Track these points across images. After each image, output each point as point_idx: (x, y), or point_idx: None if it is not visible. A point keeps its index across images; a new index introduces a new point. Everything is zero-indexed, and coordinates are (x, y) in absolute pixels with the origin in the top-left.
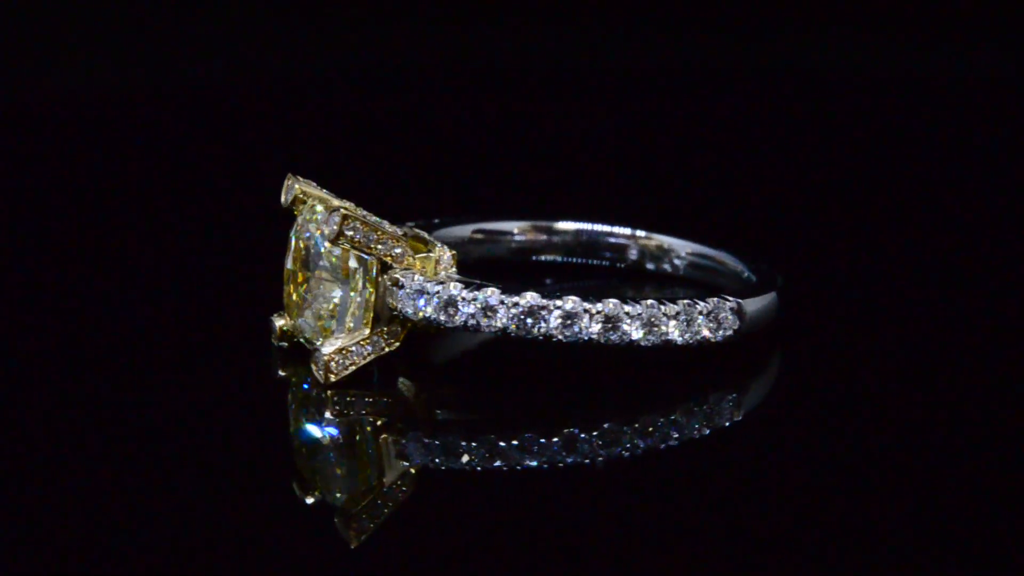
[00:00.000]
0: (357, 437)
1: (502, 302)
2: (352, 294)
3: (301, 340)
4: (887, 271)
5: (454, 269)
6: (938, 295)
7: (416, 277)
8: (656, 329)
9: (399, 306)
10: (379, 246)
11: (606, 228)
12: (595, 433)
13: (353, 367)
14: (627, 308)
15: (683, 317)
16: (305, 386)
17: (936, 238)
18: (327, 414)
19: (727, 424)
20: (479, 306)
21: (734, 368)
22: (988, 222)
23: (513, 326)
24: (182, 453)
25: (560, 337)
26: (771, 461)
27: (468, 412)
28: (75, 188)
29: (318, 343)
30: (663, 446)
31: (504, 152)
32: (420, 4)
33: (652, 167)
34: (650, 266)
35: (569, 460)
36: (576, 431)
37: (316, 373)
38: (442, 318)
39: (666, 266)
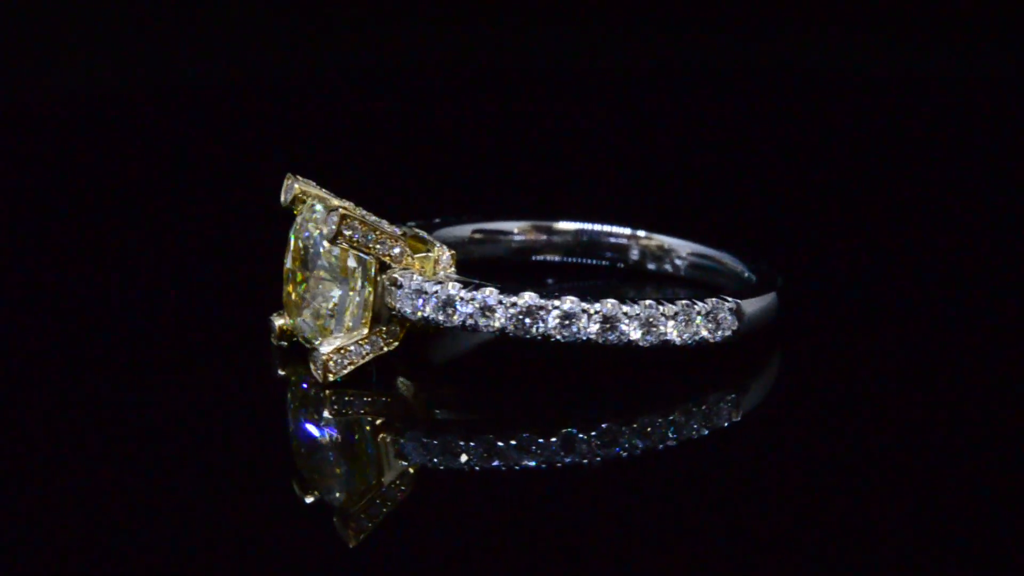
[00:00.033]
0: (356, 437)
1: (500, 302)
2: (351, 293)
3: (300, 339)
4: (887, 271)
5: (453, 269)
6: (938, 295)
7: (415, 277)
8: (654, 329)
9: (398, 306)
10: (377, 246)
11: (607, 228)
12: (593, 433)
13: (351, 366)
14: (625, 308)
15: (681, 317)
16: (303, 385)
17: (936, 238)
18: (326, 413)
19: (726, 425)
20: (477, 306)
21: (734, 368)
22: (988, 222)
23: (511, 326)
24: (181, 452)
25: (558, 337)
26: (770, 462)
27: (467, 412)
28: (75, 188)
29: (317, 343)
30: (661, 446)
31: (504, 152)
32: (420, 4)
33: (652, 167)
34: (651, 266)
35: (567, 460)
36: (574, 431)
37: (314, 372)
38: (440, 318)
39: (667, 266)
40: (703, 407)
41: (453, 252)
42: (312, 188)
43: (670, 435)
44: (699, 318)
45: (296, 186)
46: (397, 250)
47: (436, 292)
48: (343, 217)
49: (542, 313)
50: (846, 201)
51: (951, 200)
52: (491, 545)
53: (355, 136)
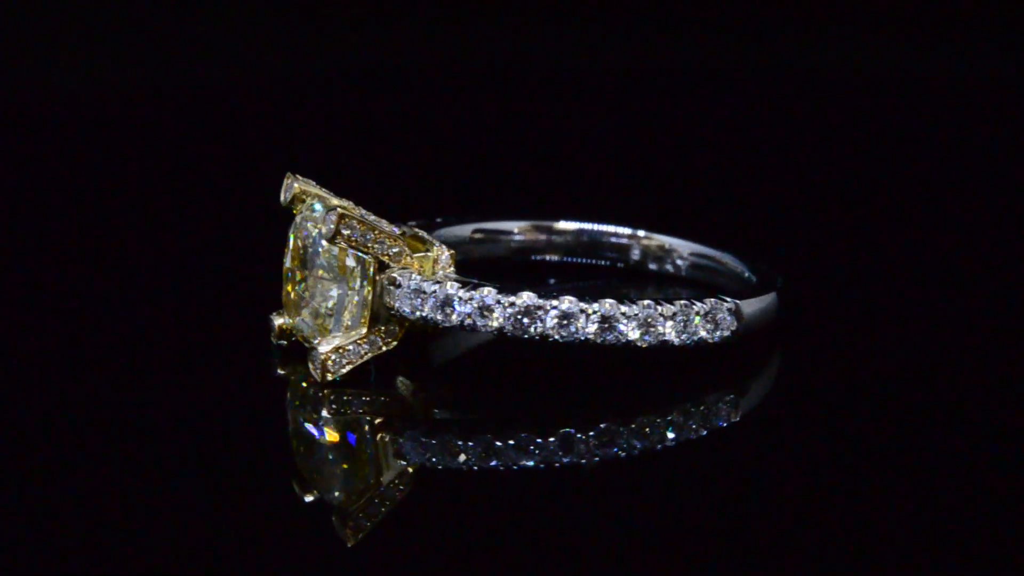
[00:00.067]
0: (354, 436)
1: (498, 302)
2: (349, 293)
3: (299, 338)
4: (887, 271)
5: (452, 268)
6: (938, 295)
7: (413, 276)
8: (653, 329)
9: (396, 305)
10: (376, 245)
11: (607, 228)
12: (592, 433)
13: (350, 366)
14: (623, 308)
15: (680, 318)
16: (303, 385)
17: (936, 238)
18: (324, 413)
19: (724, 425)
20: (475, 305)
21: (733, 368)
22: (988, 222)
23: (509, 326)
24: (181, 451)
25: (556, 337)
26: (769, 462)
27: (465, 412)
28: (75, 188)
29: (315, 342)
30: (660, 447)
31: (504, 152)
32: (420, 4)
33: (652, 167)
34: (652, 267)
35: (566, 460)
36: (573, 431)
37: (313, 372)
38: (439, 317)
39: (668, 267)
40: (702, 407)
41: (452, 252)
42: (312, 187)
43: (669, 435)
44: (697, 318)
45: (296, 185)
46: (396, 249)
47: (435, 291)
48: (342, 216)
49: (540, 313)
50: (846, 201)
51: (951, 200)
52: (490, 545)
53: (355, 136)
